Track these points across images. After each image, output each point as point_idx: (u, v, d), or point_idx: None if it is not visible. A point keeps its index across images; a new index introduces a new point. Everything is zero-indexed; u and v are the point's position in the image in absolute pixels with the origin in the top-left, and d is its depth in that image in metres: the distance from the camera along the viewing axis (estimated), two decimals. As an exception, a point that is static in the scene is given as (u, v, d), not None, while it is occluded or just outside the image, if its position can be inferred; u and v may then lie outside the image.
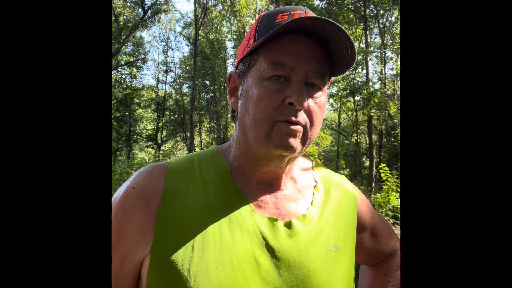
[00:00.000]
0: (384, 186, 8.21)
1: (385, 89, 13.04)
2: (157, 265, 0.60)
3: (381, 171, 8.15)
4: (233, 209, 0.65)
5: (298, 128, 0.62)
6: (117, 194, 0.66)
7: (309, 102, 0.63)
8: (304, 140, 0.64)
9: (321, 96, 0.65)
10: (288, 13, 0.64)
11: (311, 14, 0.64)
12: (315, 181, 0.77)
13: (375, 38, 16.64)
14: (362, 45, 13.15)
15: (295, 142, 0.62)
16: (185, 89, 25.11)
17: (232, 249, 0.61)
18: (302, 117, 0.62)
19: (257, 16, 0.73)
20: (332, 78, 0.72)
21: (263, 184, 0.70)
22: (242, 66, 0.68)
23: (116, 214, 0.64)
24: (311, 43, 0.63)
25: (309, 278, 0.62)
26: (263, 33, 0.64)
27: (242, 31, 19.20)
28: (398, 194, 7.75)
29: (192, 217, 0.63)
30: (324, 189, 0.76)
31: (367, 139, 13.28)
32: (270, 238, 0.63)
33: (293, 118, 0.61)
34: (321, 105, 0.65)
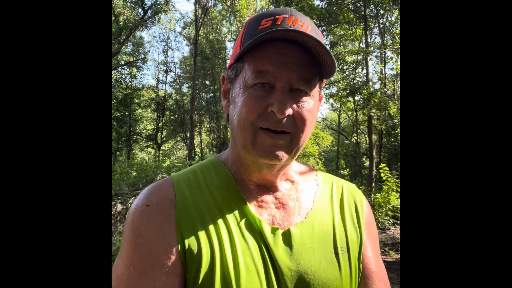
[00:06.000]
0: (384, 186, 8.22)
1: (385, 89, 13.04)
2: (188, 272, 0.62)
3: (381, 171, 8.15)
4: (241, 216, 0.66)
5: (283, 137, 0.63)
6: (133, 217, 0.65)
7: (295, 107, 0.63)
8: (291, 147, 0.64)
9: (308, 101, 0.64)
10: (273, 17, 0.63)
11: (297, 16, 0.64)
12: (318, 185, 0.77)
13: (375, 38, 16.64)
14: (362, 45, 13.15)
15: (280, 151, 0.63)
16: (185, 89, 25.11)
17: (244, 253, 0.63)
18: (287, 123, 0.62)
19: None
20: (324, 81, 0.72)
21: (261, 187, 0.71)
22: (231, 73, 0.69)
23: (139, 236, 0.62)
24: (294, 49, 0.62)
25: (313, 284, 0.63)
26: (247, 39, 0.64)
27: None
28: (398, 194, 7.75)
29: (205, 222, 0.64)
30: (328, 192, 0.76)
31: (367, 139, 13.27)
32: (272, 248, 0.64)
33: (276, 126, 0.62)
34: (309, 110, 0.64)
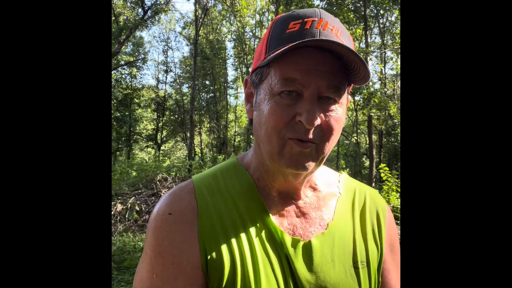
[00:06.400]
0: (384, 186, 8.21)
1: (385, 89, 13.04)
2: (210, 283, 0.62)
3: (381, 171, 8.15)
4: (263, 226, 0.66)
5: (310, 145, 0.61)
6: (155, 224, 0.64)
7: (323, 117, 0.60)
8: (317, 156, 0.62)
9: (337, 109, 0.62)
10: (301, 20, 0.60)
11: (326, 18, 0.61)
12: (339, 192, 0.76)
13: (375, 38, 16.66)
14: (362, 45, 13.16)
15: (307, 161, 0.61)
16: (185, 89, 25.14)
17: (265, 265, 0.62)
18: (314, 134, 0.60)
19: (272, 17, 0.69)
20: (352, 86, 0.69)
21: (284, 194, 0.70)
22: (255, 77, 0.66)
23: (162, 245, 0.61)
24: (324, 56, 0.59)
25: None
26: (274, 43, 0.62)
27: (242, 31, 19.18)
28: (398, 194, 7.75)
29: (227, 232, 0.64)
30: (349, 200, 0.75)
31: (367, 139, 13.28)
32: (293, 260, 0.64)
33: (304, 136, 0.59)
34: (337, 118, 0.62)
